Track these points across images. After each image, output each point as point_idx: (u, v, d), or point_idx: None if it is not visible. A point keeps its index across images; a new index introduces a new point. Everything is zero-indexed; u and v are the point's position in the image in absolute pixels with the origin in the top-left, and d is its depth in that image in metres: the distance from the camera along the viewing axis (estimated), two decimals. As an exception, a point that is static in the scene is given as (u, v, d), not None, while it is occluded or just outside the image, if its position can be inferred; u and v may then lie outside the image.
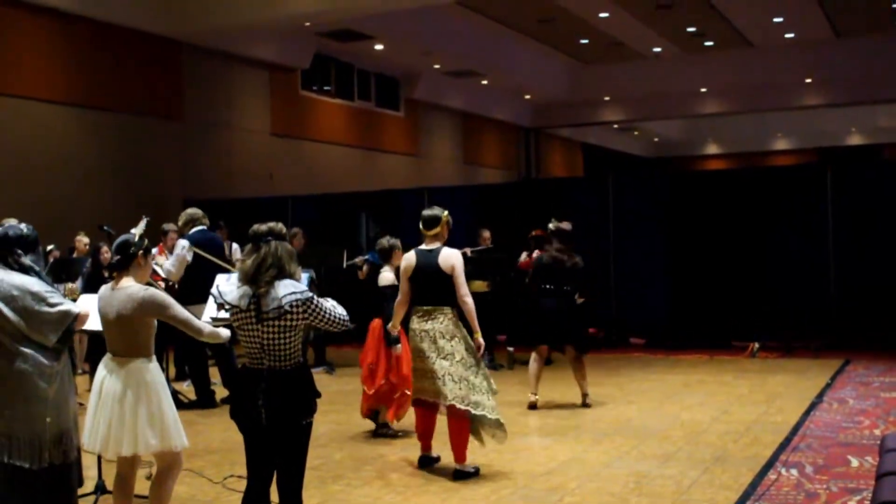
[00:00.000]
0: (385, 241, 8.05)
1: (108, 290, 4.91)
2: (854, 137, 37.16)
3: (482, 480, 6.44)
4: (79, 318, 4.74)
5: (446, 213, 6.85)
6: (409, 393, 7.44)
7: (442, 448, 7.46)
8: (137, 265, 4.93)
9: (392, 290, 7.80)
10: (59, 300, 4.68)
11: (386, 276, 7.89)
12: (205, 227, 9.60)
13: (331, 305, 4.51)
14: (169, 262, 9.31)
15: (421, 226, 6.81)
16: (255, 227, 4.55)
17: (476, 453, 7.22)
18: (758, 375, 11.07)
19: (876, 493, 4.02)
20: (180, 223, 9.69)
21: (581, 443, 7.60)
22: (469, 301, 6.59)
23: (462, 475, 6.52)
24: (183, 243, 9.33)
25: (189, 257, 9.21)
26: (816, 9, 21.15)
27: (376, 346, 7.82)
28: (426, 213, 6.84)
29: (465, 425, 6.60)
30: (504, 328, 13.29)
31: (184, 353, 10.34)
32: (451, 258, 6.62)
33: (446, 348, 6.57)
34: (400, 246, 8.02)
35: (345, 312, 4.55)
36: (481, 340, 6.66)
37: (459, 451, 6.60)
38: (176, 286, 9.53)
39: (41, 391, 4.53)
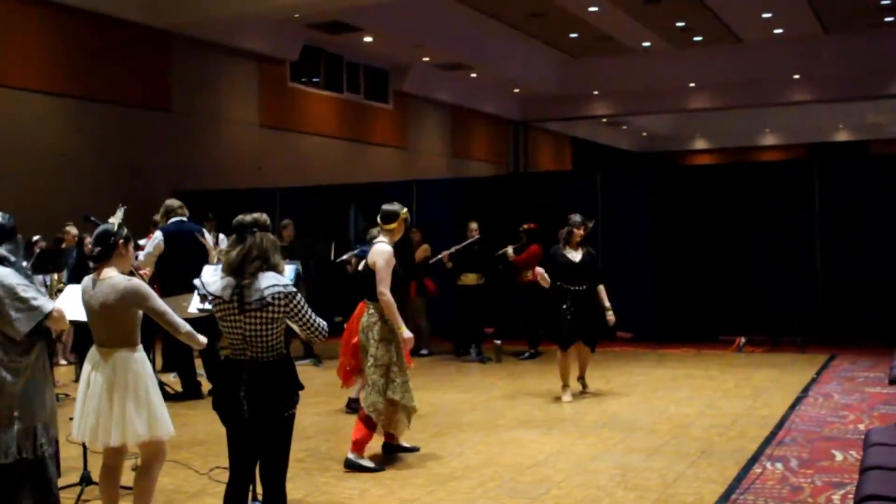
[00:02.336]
0: (372, 231, 8.33)
1: (91, 281, 4.88)
2: (841, 133, 37.31)
3: (468, 472, 6.45)
4: (51, 315, 4.68)
5: (405, 210, 6.88)
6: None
7: (429, 441, 7.48)
8: (119, 254, 4.90)
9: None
10: (31, 294, 4.60)
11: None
12: (182, 219, 9.51)
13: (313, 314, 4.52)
14: (145, 251, 9.32)
15: (378, 218, 6.85)
16: (240, 217, 4.52)
17: (464, 445, 7.26)
18: (744, 370, 11.11)
19: (860, 486, 4.05)
20: (159, 215, 9.69)
21: (568, 436, 7.62)
22: (384, 297, 6.54)
23: (353, 465, 6.56)
24: (157, 236, 9.37)
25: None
26: (805, 5, 21.22)
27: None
28: (386, 207, 6.87)
29: (359, 421, 6.65)
30: (492, 321, 13.34)
31: (169, 344, 10.33)
32: (375, 254, 6.67)
33: (366, 346, 6.68)
34: None
35: (325, 324, 4.54)
36: (405, 334, 6.61)
37: (353, 441, 6.65)
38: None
39: (8, 385, 4.48)
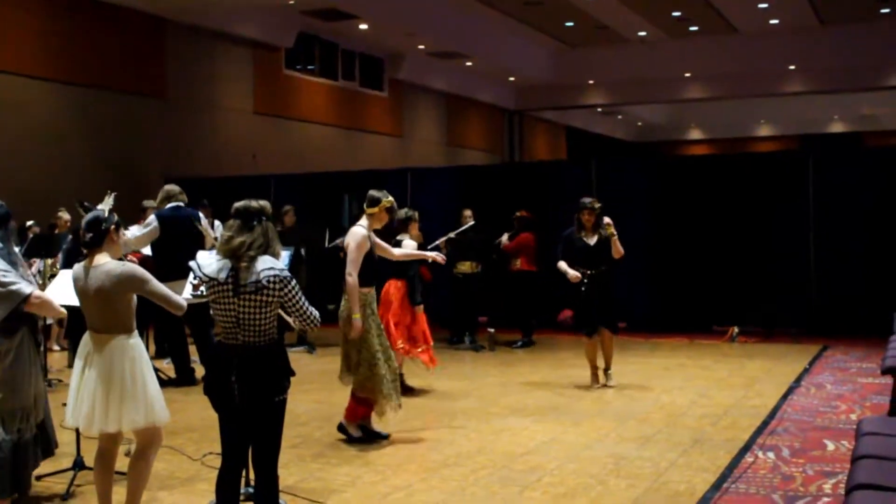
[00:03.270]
0: (403, 211, 8.81)
1: (83, 268, 4.85)
2: (836, 125, 37.33)
3: (461, 460, 6.45)
4: (29, 299, 4.68)
5: (390, 199, 7.00)
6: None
7: (422, 428, 7.49)
8: (111, 241, 4.88)
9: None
10: (11, 279, 4.61)
11: (407, 244, 8.67)
12: (179, 204, 9.47)
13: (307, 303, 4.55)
14: (136, 230, 9.26)
15: (364, 203, 6.97)
16: (246, 203, 4.49)
17: (457, 432, 7.27)
18: (737, 360, 11.14)
19: (851, 476, 4.06)
20: (157, 199, 9.66)
21: (561, 424, 7.64)
22: (348, 279, 6.66)
23: (342, 429, 6.97)
24: (152, 219, 9.31)
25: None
26: (801, -5, 21.22)
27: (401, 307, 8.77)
28: (372, 192, 7.01)
29: (351, 398, 6.99)
30: (486, 309, 13.32)
31: (163, 330, 10.33)
32: (349, 236, 6.82)
33: (344, 329, 6.83)
34: (416, 217, 9.02)
35: (317, 313, 4.56)
36: (356, 323, 6.66)
37: (347, 411, 7.02)
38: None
39: None
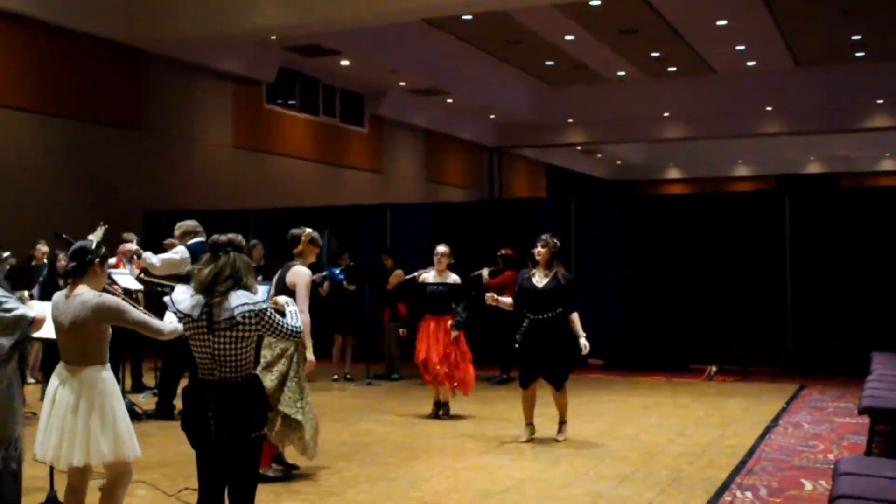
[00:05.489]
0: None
1: (63, 298, 4.83)
2: (812, 165, 37.73)
3: (439, 498, 6.41)
4: (34, 322, 4.67)
5: (308, 231, 7.15)
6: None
7: (399, 465, 7.44)
8: (93, 272, 4.86)
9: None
10: (13, 305, 4.60)
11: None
12: (202, 240, 9.16)
13: (288, 314, 4.54)
14: (164, 255, 9.11)
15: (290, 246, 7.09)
16: (215, 237, 4.53)
17: (434, 469, 7.22)
18: (714, 399, 11.15)
19: (829, 516, 4.07)
20: (177, 233, 9.41)
21: (538, 462, 7.61)
22: (301, 317, 6.64)
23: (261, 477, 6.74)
24: (181, 250, 9.09)
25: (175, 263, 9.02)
26: (778, 38, 21.48)
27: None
28: (292, 231, 7.18)
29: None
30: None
31: (164, 362, 10.00)
32: (293, 276, 6.91)
33: (267, 356, 6.78)
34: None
35: (299, 323, 4.56)
36: (310, 358, 6.79)
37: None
38: (137, 296, 9.46)
39: None
